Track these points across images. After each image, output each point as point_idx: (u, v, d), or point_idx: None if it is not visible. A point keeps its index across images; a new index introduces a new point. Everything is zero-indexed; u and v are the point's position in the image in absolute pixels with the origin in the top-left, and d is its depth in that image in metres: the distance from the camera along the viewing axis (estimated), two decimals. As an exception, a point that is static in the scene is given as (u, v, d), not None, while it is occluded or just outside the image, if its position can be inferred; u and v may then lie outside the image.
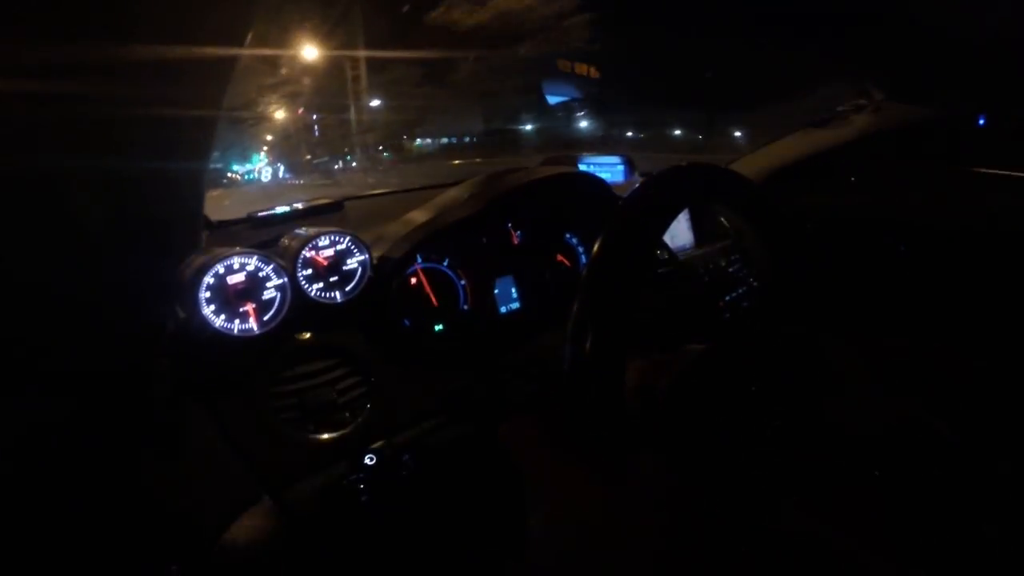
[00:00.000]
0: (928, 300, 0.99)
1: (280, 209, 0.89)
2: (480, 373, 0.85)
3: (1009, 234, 0.87)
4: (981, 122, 0.91)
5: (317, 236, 0.74)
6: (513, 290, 0.95)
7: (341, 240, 0.75)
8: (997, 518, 0.47)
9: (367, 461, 0.72)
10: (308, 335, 0.73)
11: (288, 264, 0.70)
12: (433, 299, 0.86)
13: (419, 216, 0.88)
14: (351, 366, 0.75)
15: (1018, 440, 0.57)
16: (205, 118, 0.53)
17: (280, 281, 0.69)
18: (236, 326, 0.65)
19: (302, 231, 0.75)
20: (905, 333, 0.95)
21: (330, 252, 0.75)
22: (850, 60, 0.98)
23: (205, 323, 0.62)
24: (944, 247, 0.98)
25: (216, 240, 0.79)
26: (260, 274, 0.67)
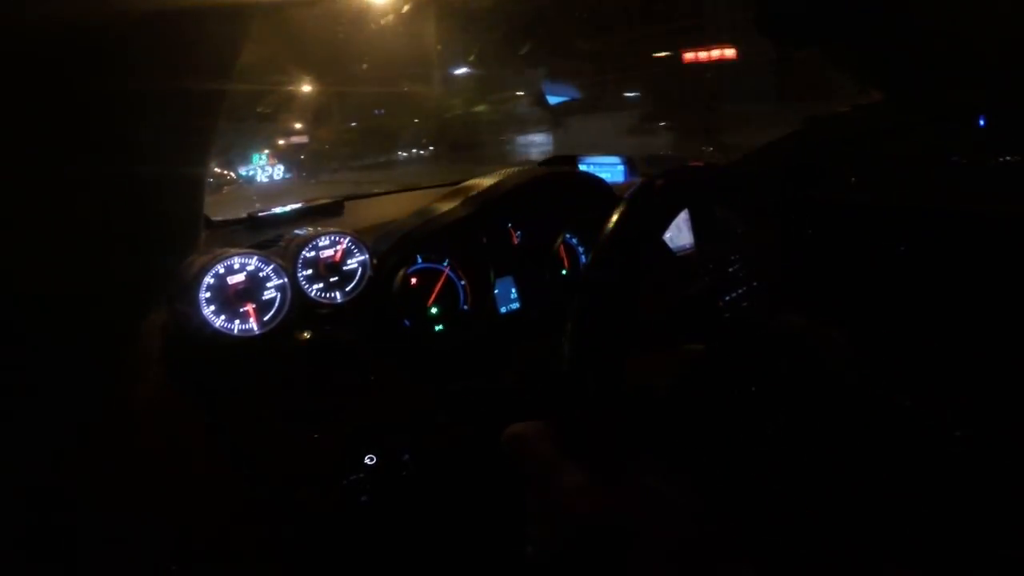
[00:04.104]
0: (928, 299, 0.99)
1: (280, 209, 0.89)
2: (480, 373, 0.85)
3: (1009, 234, 0.87)
4: (981, 123, 0.91)
5: (317, 236, 0.74)
6: (513, 290, 0.95)
7: (341, 240, 0.75)
8: (999, 517, 0.47)
9: (367, 461, 0.72)
10: (308, 335, 0.73)
11: (288, 264, 0.70)
12: (433, 299, 0.86)
13: (419, 216, 0.88)
14: (351, 366, 0.75)
15: (1018, 438, 0.57)
16: (206, 116, 0.53)
17: (280, 281, 0.69)
18: (236, 326, 0.65)
19: (302, 231, 0.75)
20: (905, 332, 0.95)
21: (330, 252, 0.75)
22: (851, 60, 0.98)
23: (205, 323, 0.62)
24: (944, 247, 0.98)
25: (216, 240, 0.79)
26: (260, 274, 0.67)
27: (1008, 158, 0.92)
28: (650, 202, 0.37)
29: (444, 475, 0.80)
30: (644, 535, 0.26)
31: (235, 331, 0.64)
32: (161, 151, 0.51)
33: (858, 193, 1.16)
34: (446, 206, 0.88)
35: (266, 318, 0.67)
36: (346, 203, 0.96)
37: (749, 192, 0.55)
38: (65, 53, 0.37)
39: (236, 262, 0.65)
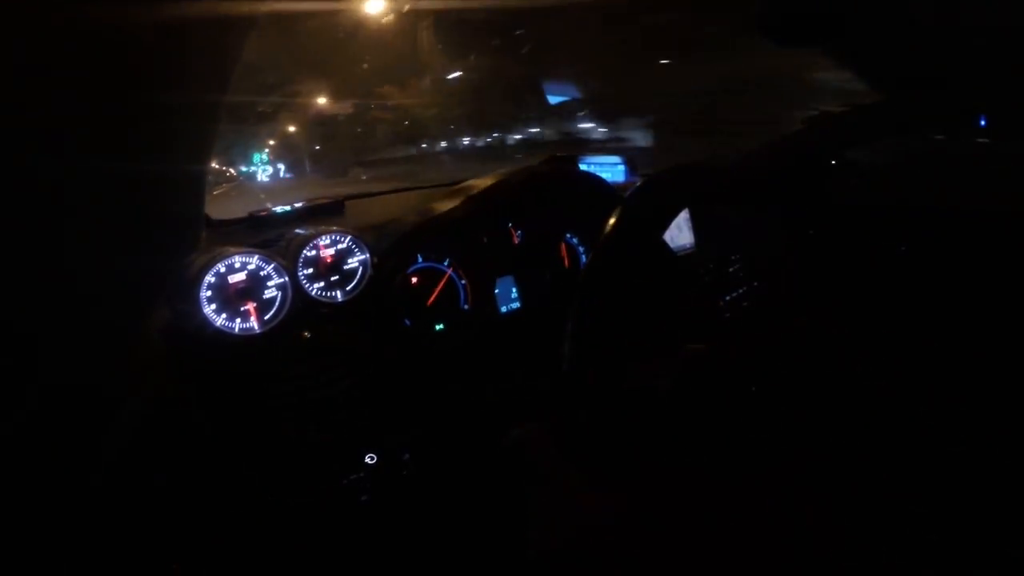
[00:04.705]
0: (928, 299, 0.99)
1: (281, 209, 0.89)
2: (480, 372, 0.85)
3: (1009, 234, 0.87)
4: (982, 123, 0.91)
5: (318, 236, 0.74)
6: (514, 290, 0.95)
7: (342, 240, 0.76)
8: (999, 517, 0.47)
9: (367, 461, 0.72)
10: (309, 334, 0.73)
11: (289, 263, 0.70)
12: (434, 299, 0.86)
13: (419, 215, 0.88)
14: (351, 366, 0.75)
15: (1019, 437, 0.57)
16: (207, 115, 0.53)
17: (281, 280, 0.69)
18: (237, 325, 0.65)
19: (303, 231, 0.75)
20: (905, 331, 0.95)
21: (331, 251, 0.75)
22: (850, 60, 0.98)
23: (206, 322, 0.62)
24: (944, 247, 0.98)
25: (217, 239, 0.79)
26: (261, 273, 0.67)
27: (1008, 158, 0.92)
28: (650, 202, 0.37)
29: (444, 475, 0.80)
30: (643, 536, 0.26)
31: (236, 330, 0.65)
32: (161, 149, 0.51)
33: (858, 193, 1.16)
34: (447, 206, 0.88)
35: (267, 317, 0.67)
36: (347, 203, 0.96)
37: (749, 192, 0.55)
38: (63, 48, 0.37)
39: (237, 261, 0.65)
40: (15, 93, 0.38)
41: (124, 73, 0.41)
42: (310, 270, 0.73)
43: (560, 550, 0.28)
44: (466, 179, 0.98)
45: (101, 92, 0.42)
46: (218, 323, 0.63)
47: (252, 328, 0.66)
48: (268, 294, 0.68)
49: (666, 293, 0.99)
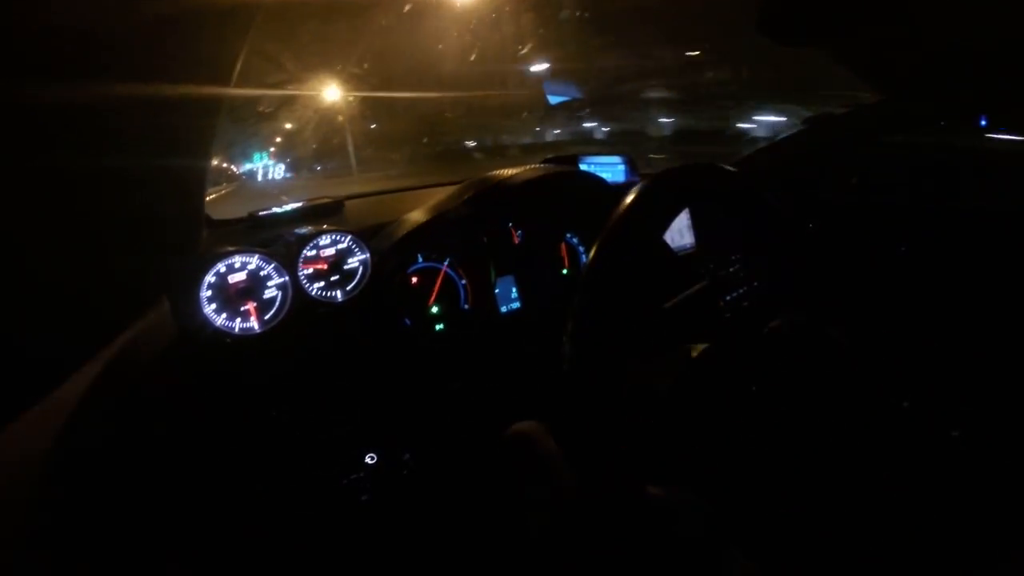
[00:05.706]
0: (927, 299, 1.00)
1: (281, 208, 0.89)
2: (481, 373, 0.85)
3: (1009, 234, 0.88)
4: (982, 123, 0.91)
5: (318, 235, 0.74)
6: (514, 290, 0.95)
7: (342, 239, 0.76)
8: (998, 517, 0.47)
9: (367, 461, 0.72)
10: (309, 334, 0.73)
11: (289, 263, 0.70)
12: (434, 299, 0.86)
13: (420, 215, 0.88)
14: (352, 366, 0.75)
15: (1016, 438, 0.57)
16: (206, 117, 0.53)
17: (281, 280, 0.69)
18: (237, 325, 0.65)
19: (303, 230, 0.75)
20: (904, 332, 0.95)
21: (331, 251, 0.75)
22: (850, 60, 0.98)
23: (206, 322, 0.62)
24: (944, 247, 0.98)
25: (217, 239, 0.79)
26: (261, 273, 0.68)
27: (1008, 157, 0.92)
28: (651, 202, 0.37)
29: (444, 474, 0.80)
30: (637, 532, 0.26)
31: (236, 330, 0.65)
32: (161, 149, 0.51)
33: (858, 193, 1.16)
34: (447, 205, 0.88)
35: (267, 317, 0.67)
36: (347, 202, 0.96)
37: (750, 192, 0.55)
38: (63, 49, 0.37)
39: (237, 261, 0.65)
40: (14, 91, 0.38)
41: (122, 67, 0.41)
42: (310, 270, 0.73)
43: (559, 546, 0.28)
44: (466, 179, 0.98)
45: (101, 90, 0.42)
46: (218, 323, 0.63)
47: (252, 328, 0.66)
48: (268, 294, 0.68)
49: (666, 293, 0.99)
